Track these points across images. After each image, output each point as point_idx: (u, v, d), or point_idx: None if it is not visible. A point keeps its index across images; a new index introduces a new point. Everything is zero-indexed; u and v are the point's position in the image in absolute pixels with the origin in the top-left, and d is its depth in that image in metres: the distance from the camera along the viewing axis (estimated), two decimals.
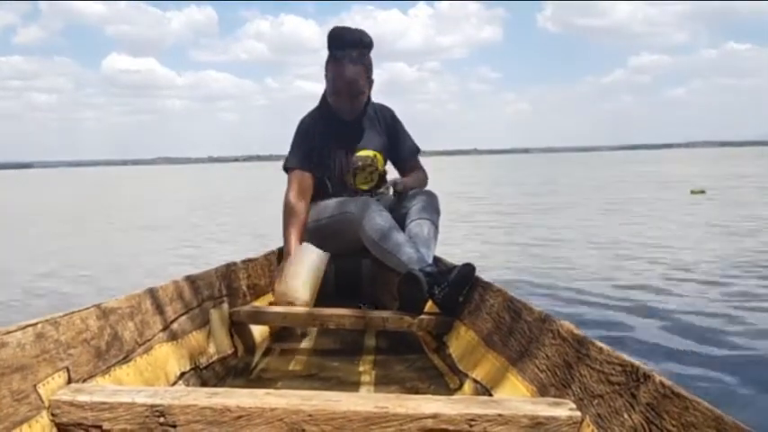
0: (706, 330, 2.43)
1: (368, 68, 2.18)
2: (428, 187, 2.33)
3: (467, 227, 6.38)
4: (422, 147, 2.43)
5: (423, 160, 2.45)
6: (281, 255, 2.38)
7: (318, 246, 2.28)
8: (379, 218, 2.00)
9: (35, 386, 1.01)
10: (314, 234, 2.21)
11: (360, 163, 2.27)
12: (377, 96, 2.34)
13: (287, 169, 2.26)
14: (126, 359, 1.26)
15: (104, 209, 12.02)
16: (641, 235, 5.46)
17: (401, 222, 2.06)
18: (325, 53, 2.23)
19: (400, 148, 2.37)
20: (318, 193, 2.28)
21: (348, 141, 2.26)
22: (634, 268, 3.84)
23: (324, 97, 2.27)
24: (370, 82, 2.22)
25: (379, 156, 2.31)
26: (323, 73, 2.24)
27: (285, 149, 2.34)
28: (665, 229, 5.87)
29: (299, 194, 2.20)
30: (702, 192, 10.10)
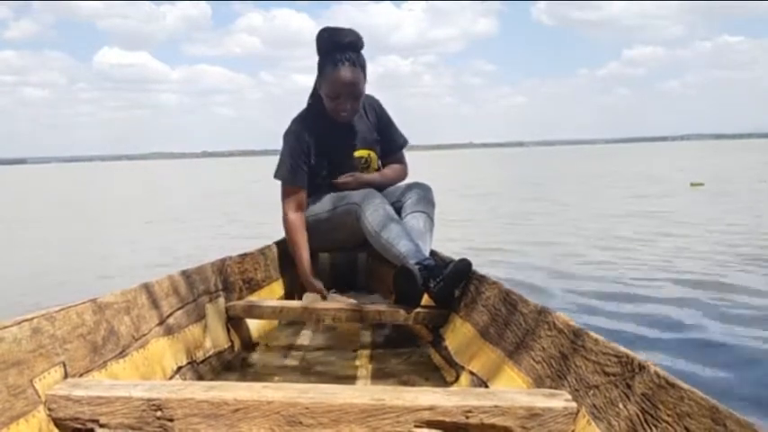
0: (703, 321, 2.45)
1: (365, 70, 2.15)
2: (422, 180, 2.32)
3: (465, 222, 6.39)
4: (417, 141, 2.41)
5: (419, 154, 2.43)
6: (279, 249, 2.38)
7: (316, 240, 2.27)
8: (380, 209, 2.00)
9: (31, 381, 1.00)
10: (313, 229, 2.20)
11: (360, 164, 2.26)
12: (373, 90, 2.33)
13: (278, 179, 2.22)
14: (122, 354, 1.26)
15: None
16: (650, 226, 5.50)
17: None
18: None
19: (389, 141, 2.34)
20: (312, 185, 2.26)
21: (344, 143, 2.22)
22: (642, 260, 3.86)
23: (313, 100, 2.22)
24: (365, 83, 2.18)
25: (373, 154, 2.28)
26: (317, 71, 2.18)
27: (281, 144, 2.30)
28: (670, 220, 5.92)
29: (297, 209, 2.19)
30: (701, 184, 10.22)
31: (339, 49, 2.09)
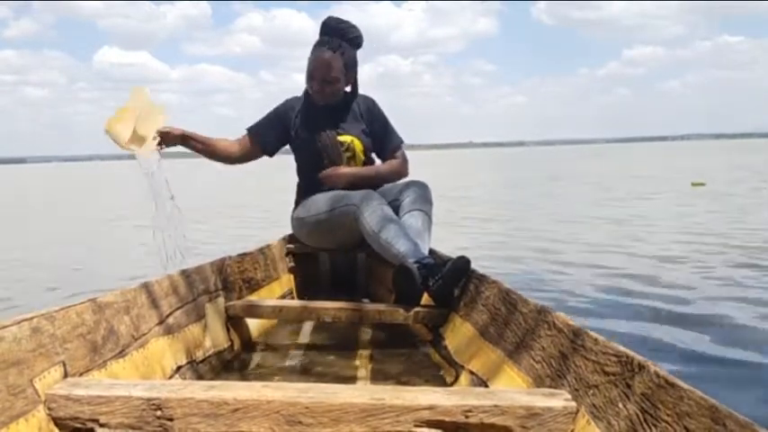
0: (704, 321, 2.45)
1: (346, 61, 2.18)
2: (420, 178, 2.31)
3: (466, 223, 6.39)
4: (417, 140, 2.42)
5: (420, 153, 2.43)
6: (279, 248, 2.39)
7: (315, 240, 2.28)
8: (379, 209, 2.00)
9: (31, 380, 1.01)
10: (314, 229, 2.21)
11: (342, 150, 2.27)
12: (373, 90, 2.33)
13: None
14: (122, 353, 1.26)
15: None
16: (655, 226, 5.51)
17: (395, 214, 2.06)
18: None
19: (384, 139, 2.34)
20: (309, 184, 2.27)
21: (327, 126, 2.25)
22: (646, 259, 3.86)
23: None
24: (347, 75, 2.21)
25: (357, 142, 2.28)
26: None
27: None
28: (675, 220, 5.93)
29: (234, 143, 2.30)
30: (702, 184, 10.20)
31: (327, 32, 2.19)
